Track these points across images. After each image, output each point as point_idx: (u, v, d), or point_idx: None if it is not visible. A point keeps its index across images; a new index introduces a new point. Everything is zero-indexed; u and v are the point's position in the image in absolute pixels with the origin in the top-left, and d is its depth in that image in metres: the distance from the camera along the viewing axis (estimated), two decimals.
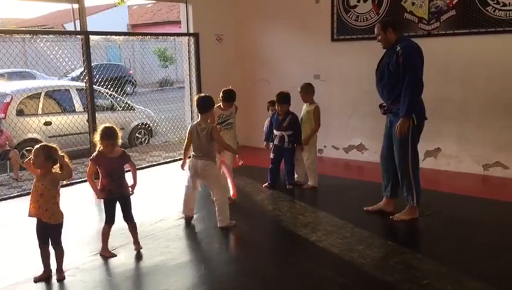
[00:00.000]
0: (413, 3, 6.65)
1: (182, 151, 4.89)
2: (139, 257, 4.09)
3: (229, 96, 5.28)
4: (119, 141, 4.08)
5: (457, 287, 3.45)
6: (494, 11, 6.07)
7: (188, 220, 4.92)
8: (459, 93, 6.49)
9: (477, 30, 6.21)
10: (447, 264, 3.80)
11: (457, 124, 6.56)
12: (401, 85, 4.41)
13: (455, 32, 6.39)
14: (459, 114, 6.53)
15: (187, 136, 4.77)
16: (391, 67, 4.49)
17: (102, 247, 4.12)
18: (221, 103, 5.31)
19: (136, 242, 4.24)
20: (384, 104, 4.74)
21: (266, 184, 5.97)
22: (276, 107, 5.82)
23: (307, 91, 5.93)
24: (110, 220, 4.12)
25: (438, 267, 3.73)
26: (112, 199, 4.12)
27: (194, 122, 4.83)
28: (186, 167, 4.80)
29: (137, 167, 6.64)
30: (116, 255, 4.08)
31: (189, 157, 4.75)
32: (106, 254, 4.08)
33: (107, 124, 4.10)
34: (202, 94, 4.92)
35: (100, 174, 4.07)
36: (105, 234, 4.12)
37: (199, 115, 4.71)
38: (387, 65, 4.55)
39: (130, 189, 4.15)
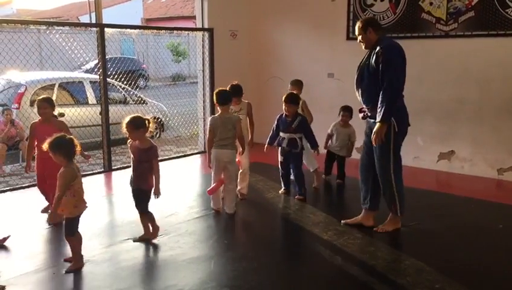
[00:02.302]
0: (431, 3, 6.56)
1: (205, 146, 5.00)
2: (149, 251, 4.08)
3: (235, 91, 5.27)
4: (146, 132, 4.14)
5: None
6: None
7: (218, 213, 5.00)
8: (475, 96, 6.40)
9: (496, 32, 6.12)
10: (459, 269, 3.75)
11: (472, 127, 6.47)
12: (380, 88, 4.11)
13: (473, 34, 6.30)
14: (474, 116, 6.44)
15: (210, 129, 4.88)
16: (371, 68, 4.21)
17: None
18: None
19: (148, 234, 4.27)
20: (364, 108, 4.43)
21: (282, 190, 5.63)
22: (283, 107, 5.39)
23: (298, 86, 5.89)
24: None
25: (450, 272, 3.68)
26: (132, 190, 4.22)
27: (216, 115, 4.95)
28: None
29: None
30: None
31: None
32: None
33: (136, 115, 4.18)
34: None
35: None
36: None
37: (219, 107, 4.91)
38: (367, 66, 4.28)
39: (154, 191, 4.17)
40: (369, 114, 4.36)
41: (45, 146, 3.61)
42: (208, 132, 4.96)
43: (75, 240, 3.73)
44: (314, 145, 5.45)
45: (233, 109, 5.32)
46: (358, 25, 4.41)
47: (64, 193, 3.57)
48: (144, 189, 4.16)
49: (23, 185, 6.00)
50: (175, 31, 12.41)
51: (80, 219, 3.75)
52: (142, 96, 10.15)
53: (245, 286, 3.49)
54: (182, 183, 6.20)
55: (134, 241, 4.21)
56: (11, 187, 5.95)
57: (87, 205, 3.79)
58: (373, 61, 4.18)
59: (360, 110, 4.51)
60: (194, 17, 8.55)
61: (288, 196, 5.54)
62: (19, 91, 8.34)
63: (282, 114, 5.45)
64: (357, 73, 4.42)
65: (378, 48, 4.16)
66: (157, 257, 3.97)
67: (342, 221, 4.66)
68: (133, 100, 9.70)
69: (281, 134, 5.43)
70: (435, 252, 4.09)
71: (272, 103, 7.50)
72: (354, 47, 7.42)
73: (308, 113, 5.82)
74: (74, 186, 3.63)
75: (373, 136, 4.17)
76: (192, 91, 9.83)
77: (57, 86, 8.70)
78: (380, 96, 4.09)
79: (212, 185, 4.95)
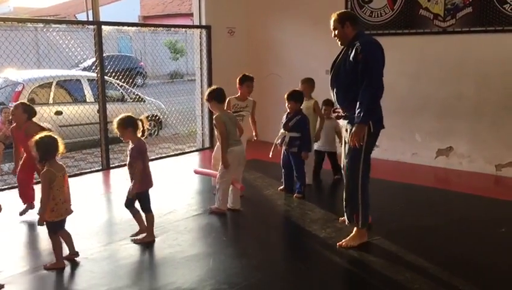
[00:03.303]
0: (428, 0, 6.56)
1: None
2: (147, 249, 4.08)
3: (244, 78, 5.29)
4: (136, 131, 4.08)
5: (468, 287, 3.40)
6: (511, 9, 5.97)
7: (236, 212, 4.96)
8: (473, 92, 6.41)
9: (494, 28, 6.12)
10: (458, 265, 3.76)
11: (470, 123, 6.48)
12: (358, 86, 3.82)
13: (471, 30, 6.30)
14: (472, 113, 6.45)
15: (224, 128, 4.70)
16: (348, 66, 3.91)
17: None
18: (239, 91, 5.36)
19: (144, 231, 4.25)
20: (339, 108, 4.14)
21: (281, 187, 5.61)
22: (286, 104, 5.34)
23: (309, 84, 5.81)
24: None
25: (449, 268, 3.69)
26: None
27: (220, 113, 4.80)
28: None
29: None
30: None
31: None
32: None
33: (127, 114, 4.13)
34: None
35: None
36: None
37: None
38: (343, 63, 3.97)
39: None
40: (343, 114, 4.06)
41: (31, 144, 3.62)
42: (220, 131, 4.72)
43: (57, 241, 3.70)
44: (305, 148, 5.30)
45: (239, 105, 5.29)
46: (334, 17, 4.05)
47: (48, 196, 3.54)
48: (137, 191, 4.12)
49: None
50: (172, 29, 12.36)
51: (65, 221, 3.74)
52: (140, 94, 10.14)
53: (244, 283, 3.49)
54: (180, 181, 6.20)
55: (134, 242, 4.18)
56: (9, 185, 5.94)
57: (71, 210, 3.74)
58: (351, 58, 3.88)
59: (334, 111, 4.24)
60: (191, 15, 8.53)
61: (287, 193, 5.53)
62: (17, 90, 8.31)
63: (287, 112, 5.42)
64: (331, 71, 4.13)
65: (357, 44, 3.86)
66: (156, 255, 3.97)
67: (339, 219, 4.57)
68: (131, 98, 9.68)
69: (281, 131, 5.40)
70: (433, 248, 4.09)
71: (270, 100, 7.51)
72: None
73: (320, 114, 5.77)
74: (53, 189, 3.59)
75: (350, 138, 3.88)
76: (190, 89, 9.83)
77: (54, 84, 8.68)
78: (360, 95, 3.80)
79: (207, 171, 4.95)
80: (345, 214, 4.15)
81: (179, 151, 7.94)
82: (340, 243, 4.09)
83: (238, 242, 4.45)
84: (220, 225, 4.71)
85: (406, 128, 7.00)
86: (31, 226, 4.55)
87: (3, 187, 5.89)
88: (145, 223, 4.19)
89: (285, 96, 5.35)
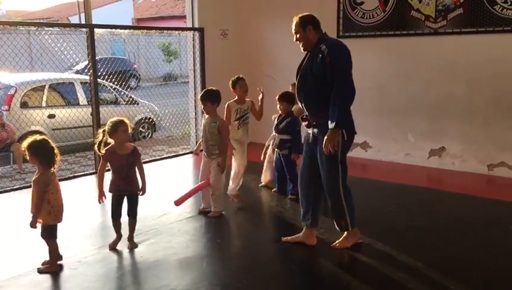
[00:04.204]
0: (420, 1, 6.60)
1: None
2: (141, 251, 4.07)
3: (234, 81, 5.21)
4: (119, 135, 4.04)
5: (462, 286, 3.42)
6: (502, 10, 6.02)
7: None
8: (465, 93, 6.45)
9: (485, 29, 6.17)
10: (451, 264, 3.78)
11: (462, 124, 6.52)
12: (327, 91, 3.68)
13: (462, 31, 6.35)
14: (464, 113, 6.49)
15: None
16: (315, 70, 3.75)
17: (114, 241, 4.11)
18: (236, 96, 5.22)
19: (131, 239, 4.16)
20: (307, 115, 3.99)
21: (275, 189, 5.61)
22: (278, 106, 5.37)
23: None
24: (116, 216, 4.11)
25: (442, 267, 3.71)
26: (119, 196, 4.10)
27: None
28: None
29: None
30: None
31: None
32: (115, 246, 4.09)
33: (118, 118, 4.08)
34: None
35: (111, 169, 4.07)
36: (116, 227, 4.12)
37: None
38: (310, 68, 3.81)
39: (141, 190, 4.12)
40: (314, 122, 3.91)
41: (23, 145, 3.59)
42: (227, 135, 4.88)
43: (54, 244, 3.70)
44: (296, 150, 5.22)
45: (241, 108, 5.17)
46: (295, 21, 3.93)
47: (41, 200, 3.55)
48: (135, 191, 4.12)
49: (14, 187, 5.97)
50: (165, 31, 12.42)
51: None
52: (133, 96, 10.13)
53: (237, 285, 3.50)
54: (174, 183, 6.19)
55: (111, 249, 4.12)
56: (2, 189, 5.92)
57: (61, 217, 3.72)
58: (318, 62, 3.73)
59: (303, 118, 4.06)
60: (184, 17, 8.54)
61: (281, 195, 5.54)
62: (9, 93, 8.29)
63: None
64: (297, 76, 3.96)
65: (323, 47, 3.72)
66: (150, 257, 3.96)
67: (282, 238, 4.22)
68: (124, 100, 9.67)
69: (272, 133, 5.40)
70: (427, 248, 4.11)
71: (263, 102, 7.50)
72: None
73: None
74: (47, 193, 3.59)
75: (324, 144, 3.69)
76: (183, 91, 9.82)
77: (47, 87, 8.66)
78: (332, 100, 3.65)
79: (187, 193, 4.86)
80: (334, 222, 4.08)
81: (172, 154, 7.94)
82: (334, 244, 4.08)
83: (232, 244, 4.45)
84: (213, 226, 4.71)
85: (398, 129, 7.04)
86: (25, 229, 4.53)
87: (23, 185, 5.94)
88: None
89: (277, 97, 5.35)
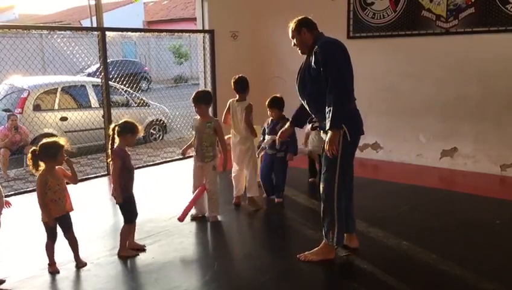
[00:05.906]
0: (431, 1, 6.56)
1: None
2: (153, 252, 4.09)
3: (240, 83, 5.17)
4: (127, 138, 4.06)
5: (475, 287, 3.40)
6: None
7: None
8: (477, 92, 6.39)
9: (497, 28, 6.11)
10: (462, 265, 3.74)
11: (475, 124, 6.46)
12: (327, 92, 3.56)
13: (474, 30, 6.30)
14: (476, 113, 6.43)
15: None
16: (312, 72, 3.67)
17: (121, 247, 4.05)
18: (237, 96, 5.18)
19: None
20: (314, 118, 3.88)
21: (264, 195, 5.44)
22: (268, 112, 5.27)
23: None
24: (131, 219, 4.06)
25: (453, 268, 3.68)
26: (134, 197, 4.07)
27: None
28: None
29: (151, 163, 6.71)
30: (138, 254, 4.03)
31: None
32: (124, 254, 4.00)
33: (128, 119, 4.10)
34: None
35: (120, 171, 3.92)
36: (124, 234, 4.05)
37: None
38: (308, 70, 3.73)
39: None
40: (318, 125, 3.81)
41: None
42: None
43: (47, 245, 3.77)
44: (292, 151, 5.18)
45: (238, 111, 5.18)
46: (291, 26, 3.90)
47: (43, 198, 3.62)
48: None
49: (28, 189, 6.03)
50: (176, 33, 12.52)
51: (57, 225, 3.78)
52: (144, 98, 10.19)
53: (248, 286, 3.50)
54: (185, 185, 6.21)
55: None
56: (16, 191, 5.99)
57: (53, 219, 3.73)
58: (313, 63, 3.65)
59: (310, 121, 3.98)
60: (195, 19, 8.58)
61: (268, 197, 5.43)
62: (22, 96, 8.39)
63: (270, 118, 5.32)
64: (297, 80, 3.89)
65: (316, 47, 3.65)
66: (161, 259, 3.98)
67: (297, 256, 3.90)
68: (136, 103, 9.73)
69: (266, 137, 5.29)
70: (438, 249, 4.08)
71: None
72: (354, 46, 7.41)
73: None
74: (50, 191, 3.66)
75: (326, 147, 3.59)
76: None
77: (59, 90, 8.76)
78: (327, 100, 3.53)
79: (188, 206, 4.71)
80: (323, 230, 3.84)
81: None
82: (299, 255, 3.84)
83: (243, 245, 4.45)
84: (224, 228, 4.72)
85: (410, 130, 7.00)
86: (38, 231, 4.58)
87: (10, 193, 5.93)
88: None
89: (267, 104, 5.26)
